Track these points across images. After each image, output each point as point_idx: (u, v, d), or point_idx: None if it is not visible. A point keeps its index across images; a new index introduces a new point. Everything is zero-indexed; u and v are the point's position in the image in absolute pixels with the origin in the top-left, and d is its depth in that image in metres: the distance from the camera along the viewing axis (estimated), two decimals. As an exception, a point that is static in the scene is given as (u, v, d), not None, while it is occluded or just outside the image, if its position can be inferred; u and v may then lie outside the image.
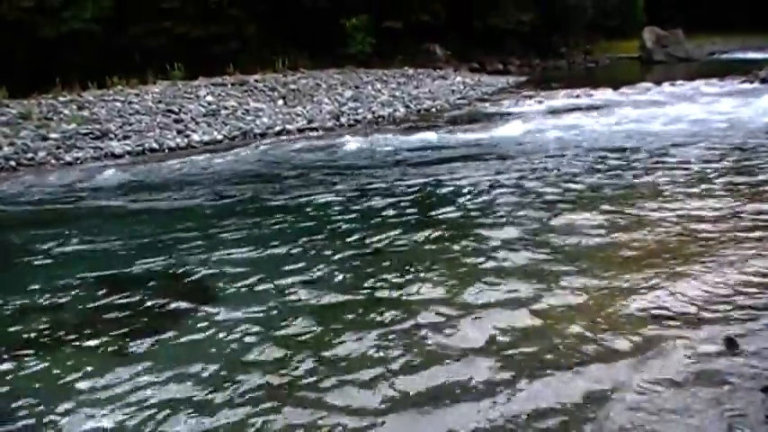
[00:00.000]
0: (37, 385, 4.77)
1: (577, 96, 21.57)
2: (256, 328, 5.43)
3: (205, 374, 4.74)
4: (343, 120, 19.81)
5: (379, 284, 6.30)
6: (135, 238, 8.52)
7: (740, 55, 37.58)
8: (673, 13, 42.78)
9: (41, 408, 4.43)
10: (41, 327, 5.82)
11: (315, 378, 4.59)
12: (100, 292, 6.55)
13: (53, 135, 16.06)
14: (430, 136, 15.66)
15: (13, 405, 4.50)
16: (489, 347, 4.81)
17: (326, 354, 4.94)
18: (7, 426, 4.26)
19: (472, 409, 4.04)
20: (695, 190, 8.79)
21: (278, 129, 18.58)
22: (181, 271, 7.09)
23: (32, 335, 5.66)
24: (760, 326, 4.72)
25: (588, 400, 4.01)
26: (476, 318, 5.32)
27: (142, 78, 22.62)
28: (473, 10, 34.90)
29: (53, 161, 14.88)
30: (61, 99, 19.15)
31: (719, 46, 42.89)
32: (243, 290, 6.42)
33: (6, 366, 5.08)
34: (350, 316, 5.61)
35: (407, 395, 4.26)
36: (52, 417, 4.32)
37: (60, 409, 4.40)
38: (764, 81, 21.01)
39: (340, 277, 6.58)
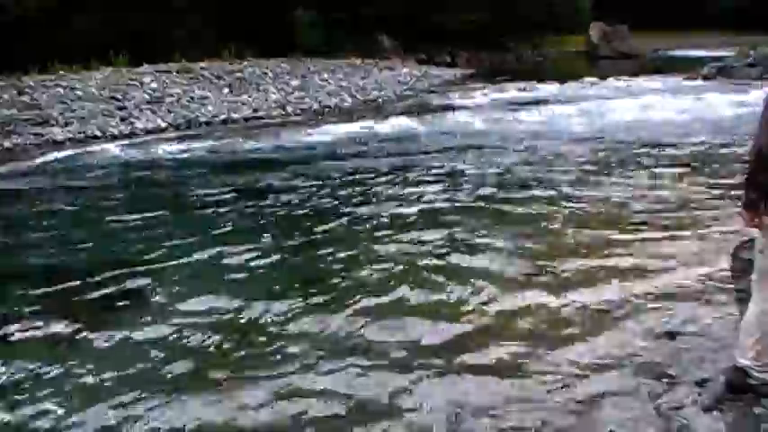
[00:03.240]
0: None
1: (524, 90, 21.78)
2: (198, 319, 5.37)
3: (149, 364, 4.67)
4: (289, 109, 19.77)
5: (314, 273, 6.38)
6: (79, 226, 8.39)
7: (684, 52, 38.25)
8: (619, 10, 43.39)
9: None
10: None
11: (261, 363, 4.56)
12: (43, 282, 6.42)
13: (-9, 120, 15.70)
14: (373, 126, 15.66)
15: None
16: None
17: (274, 339, 4.93)
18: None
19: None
20: (620, 180, 9.03)
21: (223, 117, 18.47)
22: (125, 260, 6.96)
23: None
24: (698, 318, 4.79)
25: (524, 389, 4.04)
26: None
27: (86, 65, 22.18)
28: (419, 8, 34.97)
29: (-10, 148, 14.55)
30: (0, 83, 18.69)
31: (664, 43, 43.60)
32: (183, 277, 6.40)
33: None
34: (294, 299, 5.62)
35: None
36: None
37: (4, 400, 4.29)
38: (706, 78, 21.45)
39: (292, 266, 6.64)
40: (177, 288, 6.15)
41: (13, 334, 5.31)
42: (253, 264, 6.65)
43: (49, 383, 4.50)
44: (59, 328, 5.37)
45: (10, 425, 4.04)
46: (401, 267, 6.33)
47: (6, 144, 14.64)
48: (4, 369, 4.72)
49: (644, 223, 7.14)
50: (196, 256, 6.96)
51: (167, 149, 14.03)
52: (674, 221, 7.15)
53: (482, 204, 8.36)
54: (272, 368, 4.52)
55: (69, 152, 14.10)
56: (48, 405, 4.22)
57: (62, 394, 4.35)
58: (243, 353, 4.81)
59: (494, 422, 3.72)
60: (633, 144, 11.70)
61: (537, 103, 18.40)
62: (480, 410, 3.84)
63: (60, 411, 4.14)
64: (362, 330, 5.02)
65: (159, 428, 3.91)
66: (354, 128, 15.65)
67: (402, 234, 7.36)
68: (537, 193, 8.81)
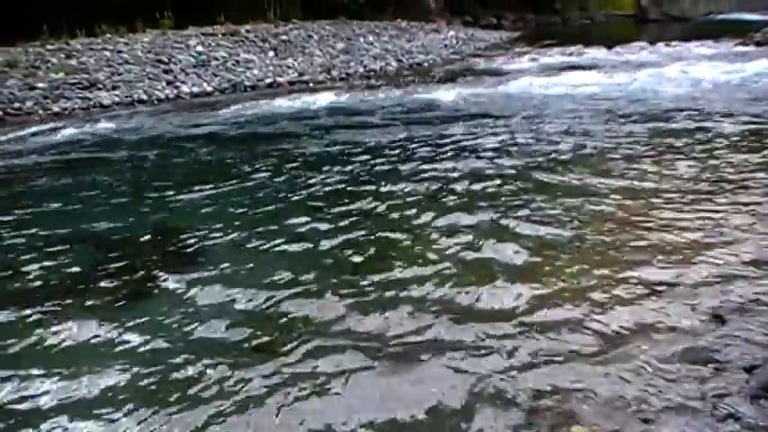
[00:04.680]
0: (21, 347, 4.75)
1: (571, 54, 21.43)
2: (245, 291, 5.41)
3: (192, 338, 4.73)
4: (334, 73, 19.67)
5: (371, 244, 6.35)
6: (131, 194, 8.49)
7: (736, 16, 37.24)
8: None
9: (23, 372, 4.41)
10: (30, 287, 5.80)
11: (304, 339, 4.57)
12: (90, 251, 6.53)
13: (40, 85, 15.90)
14: (422, 92, 15.56)
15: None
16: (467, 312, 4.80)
17: (316, 314, 4.95)
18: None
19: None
20: (670, 153, 8.79)
21: (268, 81, 18.45)
22: (170, 229, 7.06)
23: (17, 295, 5.63)
24: (749, 302, 4.70)
25: (571, 372, 4.01)
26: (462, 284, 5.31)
27: (131, 26, 22.28)
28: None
29: (41, 111, 14.73)
30: (49, 47, 18.90)
31: (716, 6, 42.50)
32: (232, 249, 6.41)
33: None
34: (342, 278, 5.60)
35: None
36: (35, 381, 4.30)
37: (43, 373, 4.38)
38: (760, 44, 20.84)
39: (331, 237, 6.55)
40: (228, 255, 6.21)
41: (66, 300, 5.42)
42: (305, 233, 6.68)
43: (109, 347, 4.62)
44: (109, 296, 5.49)
45: (69, 390, 4.15)
46: (452, 234, 6.34)
47: (55, 108, 14.82)
48: (63, 334, 4.84)
49: (697, 199, 6.97)
50: (248, 224, 7.03)
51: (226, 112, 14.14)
52: (730, 198, 6.94)
53: (531, 174, 8.25)
54: (321, 341, 4.56)
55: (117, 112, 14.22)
56: (105, 370, 4.34)
57: (120, 358, 4.47)
58: (298, 323, 4.85)
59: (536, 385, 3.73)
60: (684, 114, 11.42)
61: (584, 68, 18.03)
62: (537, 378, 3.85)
63: (118, 377, 4.25)
64: (430, 307, 5.01)
65: (204, 393, 4.00)
66: (398, 94, 15.57)
67: (454, 203, 7.33)
68: (585, 163, 8.67)
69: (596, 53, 21.34)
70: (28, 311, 5.24)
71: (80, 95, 15.79)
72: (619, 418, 3.54)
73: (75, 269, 6.13)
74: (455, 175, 8.46)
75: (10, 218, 7.76)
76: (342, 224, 6.90)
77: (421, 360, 4.26)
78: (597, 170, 8.24)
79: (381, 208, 7.43)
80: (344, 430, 3.63)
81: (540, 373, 4.02)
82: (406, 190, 7.94)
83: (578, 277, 5.33)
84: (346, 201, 7.70)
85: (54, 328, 4.94)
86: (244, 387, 4.09)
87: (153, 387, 4.17)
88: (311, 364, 4.29)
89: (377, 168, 9.09)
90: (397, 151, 10.05)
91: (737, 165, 8.08)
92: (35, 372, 4.38)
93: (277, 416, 3.80)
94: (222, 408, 3.90)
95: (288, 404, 3.90)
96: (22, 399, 4.12)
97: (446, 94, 15.10)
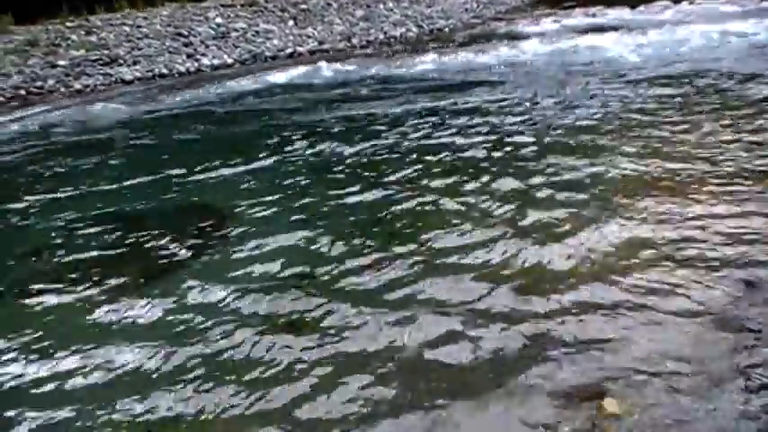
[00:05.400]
0: (49, 324, 4.78)
1: (593, 15, 21.06)
2: (273, 265, 5.40)
3: (221, 315, 4.72)
4: (354, 41, 19.52)
5: (395, 216, 6.31)
6: (155, 171, 8.49)
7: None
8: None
9: (53, 347, 4.45)
10: (59, 263, 5.86)
11: (335, 314, 4.55)
12: (116, 229, 6.56)
13: (61, 62, 15.94)
14: (446, 58, 15.42)
15: (22, 342, 4.52)
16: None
17: (345, 288, 4.93)
18: (13, 365, 4.29)
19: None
20: (699, 116, 8.60)
21: (289, 51, 18.34)
22: (197, 205, 7.07)
23: (47, 271, 5.68)
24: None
25: (596, 341, 3.96)
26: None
27: (150, 0, 22.25)
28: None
29: (62, 89, 14.76)
30: (68, 24, 18.93)
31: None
32: (259, 223, 6.40)
33: (19, 305, 5.10)
34: (371, 247, 5.59)
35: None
36: (63, 355, 4.34)
37: (71, 348, 4.41)
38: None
39: (357, 210, 6.54)
40: (254, 230, 6.21)
41: (95, 278, 5.45)
42: (329, 205, 6.68)
43: (137, 323, 4.66)
44: (136, 273, 5.51)
45: (98, 366, 4.19)
46: (480, 201, 6.33)
47: (77, 86, 14.84)
48: (94, 312, 4.89)
49: (730, 163, 6.83)
50: (274, 198, 7.01)
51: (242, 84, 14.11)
52: (761, 163, 6.81)
53: (555, 138, 8.16)
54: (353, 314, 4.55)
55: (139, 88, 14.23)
56: (134, 345, 4.38)
57: (149, 332, 4.53)
58: (321, 298, 4.82)
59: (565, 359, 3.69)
60: (712, 75, 11.19)
61: (607, 29, 17.71)
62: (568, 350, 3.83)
63: (147, 352, 4.29)
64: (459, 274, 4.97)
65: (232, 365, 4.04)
66: (425, 60, 15.44)
67: (480, 168, 7.28)
68: (610, 127, 8.53)
69: (619, 13, 20.94)
70: (58, 290, 5.28)
71: (101, 72, 15.80)
72: (648, 390, 3.49)
73: (103, 247, 6.17)
74: (481, 140, 8.39)
75: (34, 198, 7.81)
76: (372, 195, 6.86)
77: (458, 319, 4.24)
78: (622, 134, 8.10)
79: (410, 175, 7.37)
80: (378, 400, 3.62)
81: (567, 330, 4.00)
82: (434, 158, 7.87)
83: (603, 240, 5.27)
84: (375, 172, 7.65)
85: (85, 306, 5.00)
86: (276, 359, 4.10)
87: (182, 361, 4.19)
88: (344, 336, 4.28)
89: (403, 138, 9.00)
90: (423, 120, 9.94)
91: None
92: (65, 349, 4.42)
93: (311, 389, 3.78)
94: (253, 380, 3.92)
95: (320, 376, 3.90)
96: (55, 376, 4.16)
97: (468, 60, 14.93)
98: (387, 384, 3.77)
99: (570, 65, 13.45)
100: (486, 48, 16.29)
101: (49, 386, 4.07)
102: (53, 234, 6.61)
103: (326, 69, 15.32)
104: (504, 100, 10.66)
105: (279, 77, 14.94)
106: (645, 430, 3.23)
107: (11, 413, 3.84)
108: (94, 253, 6.05)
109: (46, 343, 4.55)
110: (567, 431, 3.26)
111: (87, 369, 4.20)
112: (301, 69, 15.67)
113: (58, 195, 7.89)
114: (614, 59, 13.53)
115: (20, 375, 4.22)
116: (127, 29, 18.77)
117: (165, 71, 16.26)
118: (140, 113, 12.37)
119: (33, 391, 4.06)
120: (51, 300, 5.18)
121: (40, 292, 5.31)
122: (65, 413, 3.80)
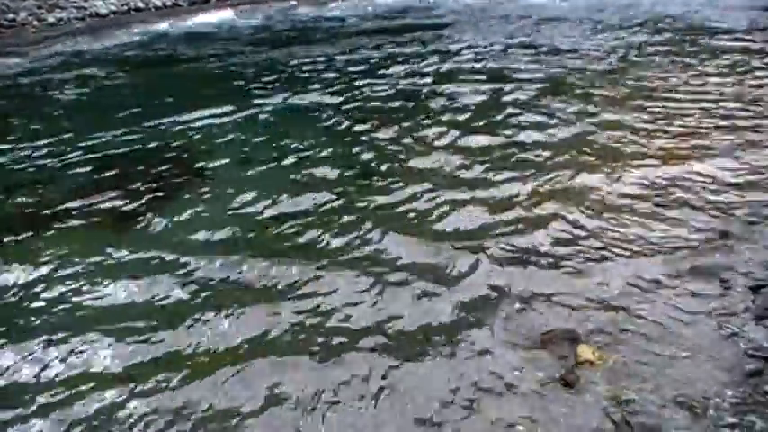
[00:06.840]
0: (31, 261, 4.74)
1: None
2: (248, 208, 5.39)
3: (194, 252, 4.71)
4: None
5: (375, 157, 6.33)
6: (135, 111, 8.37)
7: None
8: None
9: (31, 288, 4.40)
10: (34, 203, 5.77)
11: (309, 263, 4.52)
12: (92, 168, 6.47)
13: (34, -7, 15.54)
14: None
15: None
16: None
17: (316, 234, 4.91)
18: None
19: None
20: (699, 66, 8.63)
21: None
22: (173, 145, 6.99)
23: (21, 213, 5.60)
24: (758, 219, 4.66)
25: (581, 291, 3.99)
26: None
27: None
28: None
29: (35, 22, 14.45)
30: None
31: None
32: (234, 164, 6.39)
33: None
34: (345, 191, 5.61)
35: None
36: (41, 294, 4.31)
37: (47, 288, 4.38)
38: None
39: (333, 152, 6.55)
40: (230, 170, 6.21)
41: (70, 218, 5.40)
42: (311, 148, 6.66)
43: (113, 263, 4.64)
44: (119, 205, 5.53)
45: (76, 304, 4.18)
46: (466, 146, 6.37)
47: (50, 19, 14.52)
48: (71, 251, 4.83)
49: (713, 110, 6.90)
50: (248, 142, 6.97)
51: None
52: (750, 111, 6.85)
53: (543, 84, 8.19)
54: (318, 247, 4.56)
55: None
56: (110, 285, 4.36)
57: (125, 272, 4.50)
58: (304, 232, 4.88)
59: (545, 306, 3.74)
60: (702, 27, 11.18)
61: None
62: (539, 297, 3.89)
63: (123, 292, 4.29)
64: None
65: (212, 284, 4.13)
66: None
67: (468, 113, 7.35)
68: (599, 71, 8.56)
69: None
70: (34, 228, 5.21)
71: (75, 5, 15.43)
72: (622, 336, 3.53)
73: (79, 186, 6.05)
74: (469, 77, 8.47)
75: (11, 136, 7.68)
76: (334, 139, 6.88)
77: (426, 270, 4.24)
78: (611, 78, 8.15)
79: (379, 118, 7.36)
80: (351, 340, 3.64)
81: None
82: (419, 96, 7.91)
83: (581, 178, 5.41)
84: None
85: (62, 245, 4.93)
86: (247, 297, 4.11)
87: (153, 295, 4.20)
88: (320, 277, 4.30)
89: (374, 80, 8.96)
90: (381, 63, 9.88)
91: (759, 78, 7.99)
92: (39, 286, 4.38)
93: (284, 330, 3.80)
94: (222, 317, 3.93)
95: (293, 312, 3.94)
96: (33, 310, 4.14)
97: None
98: (354, 334, 3.78)
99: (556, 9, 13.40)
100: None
101: (22, 321, 4.05)
102: (28, 170, 6.50)
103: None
104: (448, 44, 10.60)
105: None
106: (619, 376, 3.27)
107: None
108: (69, 191, 5.94)
109: (22, 281, 4.49)
110: (540, 377, 3.29)
111: (58, 305, 4.17)
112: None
113: (24, 136, 7.72)
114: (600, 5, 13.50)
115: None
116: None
117: (140, 5, 15.94)
118: (118, 49, 12.14)
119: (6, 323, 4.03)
120: (23, 238, 5.12)
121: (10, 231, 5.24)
122: (37, 346, 3.78)
